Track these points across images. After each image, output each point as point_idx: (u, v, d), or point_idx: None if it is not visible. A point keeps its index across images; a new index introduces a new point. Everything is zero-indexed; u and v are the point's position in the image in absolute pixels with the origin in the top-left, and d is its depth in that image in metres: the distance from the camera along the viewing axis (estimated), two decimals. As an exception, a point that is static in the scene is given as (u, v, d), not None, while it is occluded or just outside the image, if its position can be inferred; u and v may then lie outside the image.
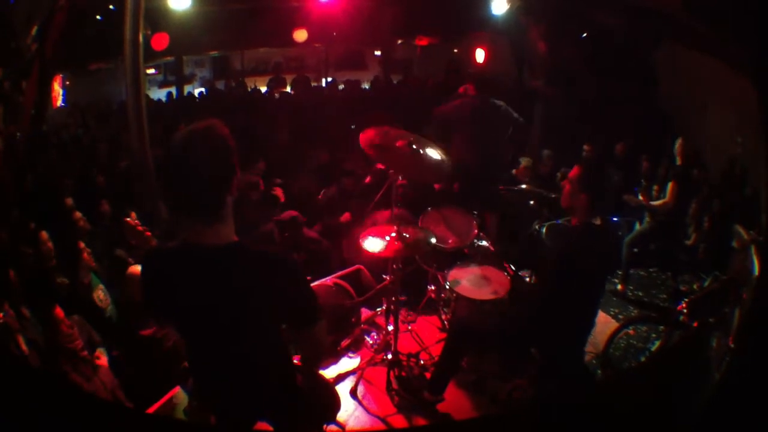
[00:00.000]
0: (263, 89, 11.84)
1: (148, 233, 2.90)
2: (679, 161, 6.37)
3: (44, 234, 4.61)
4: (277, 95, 11.36)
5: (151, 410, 3.60)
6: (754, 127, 4.36)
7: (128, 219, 3.04)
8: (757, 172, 6.17)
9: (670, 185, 6.08)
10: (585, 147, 7.48)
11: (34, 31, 5.94)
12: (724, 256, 5.33)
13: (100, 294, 4.60)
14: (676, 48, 7.91)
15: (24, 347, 3.60)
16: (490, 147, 5.72)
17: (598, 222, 3.35)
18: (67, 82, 10.83)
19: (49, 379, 3.38)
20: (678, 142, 6.44)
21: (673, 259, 6.58)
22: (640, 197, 6.27)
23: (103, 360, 4.12)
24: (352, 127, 8.07)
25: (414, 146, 4.00)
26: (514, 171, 7.25)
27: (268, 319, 2.14)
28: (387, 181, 4.42)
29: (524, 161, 7.35)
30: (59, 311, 3.88)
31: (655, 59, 8.51)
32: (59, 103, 10.55)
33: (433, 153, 4.12)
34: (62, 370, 3.77)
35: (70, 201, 5.55)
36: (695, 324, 4.27)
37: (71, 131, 9.63)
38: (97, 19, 8.40)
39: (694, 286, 6.18)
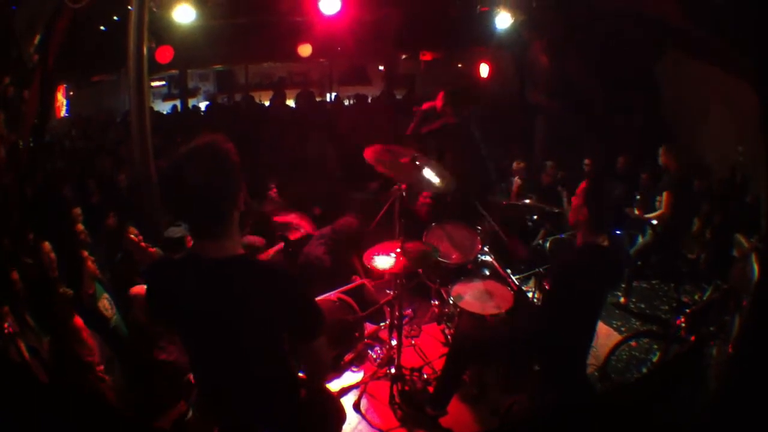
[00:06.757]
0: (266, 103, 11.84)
1: (152, 249, 2.88)
2: (667, 170, 6.29)
3: (47, 245, 4.60)
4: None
5: (157, 424, 3.60)
6: (755, 135, 4.38)
7: (131, 235, 3.02)
8: (758, 179, 6.18)
9: (664, 195, 6.04)
10: (585, 161, 7.53)
11: (36, 40, 5.96)
12: (725, 265, 5.31)
13: (105, 303, 4.57)
14: (677, 57, 7.92)
15: (26, 354, 3.58)
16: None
17: (605, 243, 3.27)
18: (71, 93, 10.84)
19: (55, 388, 3.39)
20: (660, 151, 6.35)
21: (675, 270, 6.56)
22: (636, 212, 6.23)
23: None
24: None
25: (417, 162, 3.98)
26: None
27: (271, 332, 2.14)
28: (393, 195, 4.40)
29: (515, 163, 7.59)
30: (79, 321, 3.85)
31: (656, 69, 8.52)
32: (63, 113, 10.55)
33: (435, 168, 4.12)
34: (70, 380, 3.75)
35: (78, 211, 5.54)
36: (692, 338, 4.28)
37: (72, 141, 9.65)
38: (101, 30, 8.37)
39: (696, 297, 6.15)
